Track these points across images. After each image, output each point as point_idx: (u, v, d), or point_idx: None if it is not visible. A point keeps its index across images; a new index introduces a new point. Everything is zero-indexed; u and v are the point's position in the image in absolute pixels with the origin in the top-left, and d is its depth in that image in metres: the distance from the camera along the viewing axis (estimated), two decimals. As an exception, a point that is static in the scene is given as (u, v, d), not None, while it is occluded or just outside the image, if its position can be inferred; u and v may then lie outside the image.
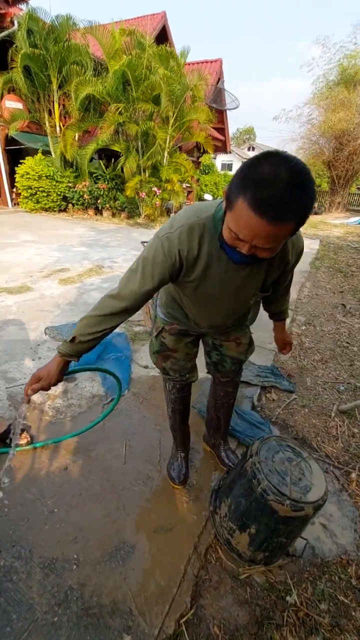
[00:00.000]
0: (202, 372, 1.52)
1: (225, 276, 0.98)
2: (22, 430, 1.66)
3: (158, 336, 1.35)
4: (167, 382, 1.44)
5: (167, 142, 8.91)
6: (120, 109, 8.11)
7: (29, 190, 9.00)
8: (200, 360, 1.47)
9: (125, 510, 1.38)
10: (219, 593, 1.18)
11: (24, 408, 1.14)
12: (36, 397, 1.98)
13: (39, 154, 9.17)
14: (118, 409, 1.94)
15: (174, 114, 8.63)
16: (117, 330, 2.82)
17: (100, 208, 9.33)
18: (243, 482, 1.21)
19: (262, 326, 1.78)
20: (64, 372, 1.08)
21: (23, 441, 1.62)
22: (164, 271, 0.93)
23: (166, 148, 9.04)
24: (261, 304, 1.35)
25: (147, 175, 8.98)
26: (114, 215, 9.37)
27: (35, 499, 1.40)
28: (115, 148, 8.59)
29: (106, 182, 9.19)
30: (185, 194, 9.26)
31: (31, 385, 1.05)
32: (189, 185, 9.80)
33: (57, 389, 2.07)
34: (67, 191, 9.30)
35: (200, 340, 1.42)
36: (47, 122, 9.30)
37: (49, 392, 2.03)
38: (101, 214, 9.45)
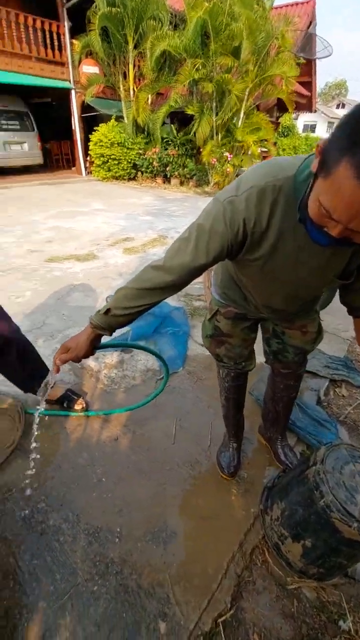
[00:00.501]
0: (261, 356, 1.36)
1: (300, 256, 0.79)
2: (78, 397, 1.70)
3: (212, 319, 1.21)
4: (220, 368, 1.31)
5: (245, 99, 8.18)
6: (197, 65, 7.59)
7: (101, 158, 9.15)
8: (258, 346, 1.30)
9: (170, 491, 1.35)
10: (262, 599, 1.09)
11: (51, 377, 1.10)
12: (93, 365, 2.03)
13: (112, 120, 9.18)
14: (170, 387, 1.89)
15: (254, 67, 7.82)
16: (175, 303, 2.76)
17: (168, 176, 9.14)
18: (302, 490, 1.06)
19: (334, 310, 1.53)
20: (94, 345, 0.98)
21: (78, 407, 1.66)
22: (222, 245, 0.77)
23: (243, 107, 8.33)
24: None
25: (219, 138, 8.44)
26: (182, 183, 9.11)
27: (86, 465, 1.44)
28: (189, 111, 8.16)
29: (176, 148, 8.90)
30: (261, 159, 8.53)
31: (59, 355, 0.98)
32: (265, 149, 9.00)
33: (113, 358, 2.10)
34: (137, 158, 9.25)
35: (259, 325, 1.25)
36: (121, 86, 9.18)
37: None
38: (169, 182, 9.27)
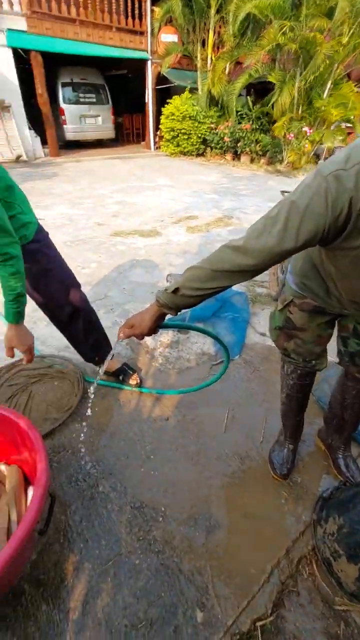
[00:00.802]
0: (331, 355, 1.22)
1: None
2: (134, 372, 1.72)
3: (284, 309, 1.09)
4: (286, 364, 1.21)
5: (335, 66, 7.31)
6: (284, 28, 6.91)
7: (171, 133, 8.99)
8: (331, 346, 1.17)
9: (216, 481, 1.31)
10: (305, 613, 1.02)
11: (114, 349, 1.13)
12: (149, 342, 2.03)
13: (186, 92, 8.89)
14: (226, 374, 1.82)
15: (350, 30, 6.90)
16: (236, 288, 2.65)
17: (238, 152, 8.69)
18: (368, 511, 0.95)
19: None
20: (158, 324, 0.95)
21: (133, 382, 1.69)
22: (316, 229, 0.65)
23: (331, 78, 7.47)
24: None
25: (300, 111, 7.73)
26: (252, 160, 8.62)
27: (136, 440, 1.46)
28: (271, 78, 7.53)
29: (250, 122, 8.38)
30: (346, 136, 7.64)
31: (123, 329, 0.97)
32: (350, 124, 8.06)
33: (169, 338, 2.08)
34: (207, 133, 8.92)
35: (337, 322, 1.11)
36: (198, 55, 8.78)
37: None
38: (239, 159, 8.82)
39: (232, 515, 1.21)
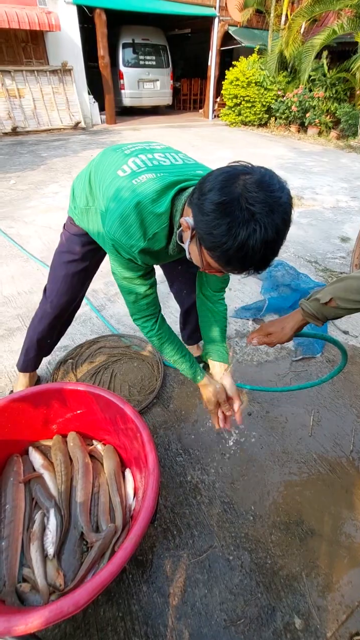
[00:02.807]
0: None
1: None
2: (214, 361, 1.68)
3: None
4: None
5: None
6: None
7: (234, 100, 8.42)
8: None
9: (305, 486, 1.27)
10: None
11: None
12: (229, 332, 1.98)
13: (254, 55, 8.21)
14: (308, 372, 1.74)
15: None
16: (314, 278, 2.49)
17: (306, 124, 8.00)
18: None
19: None
20: (297, 333, 0.91)
21: (213, 371, 1.65)
22: None
23: None
24: None
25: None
26: (320, 133, 7.91)
27: (220, 432, 1.44)
28: (358, 38, 6.69)
29: (324, 90, 7.60)
30: None
31: (257, 335, 0.93)
32: None
33: (246, 327, 2.01)
34: (273, 101, 8.26)
35: None
36: (272, 12, 7.98)
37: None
38: (305, 131, 8.14)
39: (326, 525, 1.17)
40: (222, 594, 1.01)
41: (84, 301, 2.10)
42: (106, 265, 1.08)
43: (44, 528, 0.99)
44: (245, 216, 0.59)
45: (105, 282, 2.37)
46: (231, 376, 1.11)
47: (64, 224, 1.19)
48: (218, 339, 1.13)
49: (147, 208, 0.77)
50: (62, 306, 1.27)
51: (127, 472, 1.15)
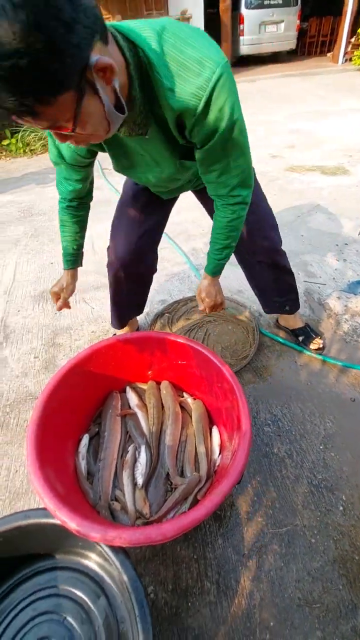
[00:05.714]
0: None
1: None
2: (317, 335, 1.53)
3: None
4: None
5: None
6: None
7: (375, 37, 6.98)
8: None
9: None
10: None
11: None
12: (333, 304, 1.77)
13: None
14: None
15: None
16: None
17: None
18: None
19: None
20: None
21: (314, 346, 1.50)
22: None
23: None
24: None
25: None
26: None
27: (315, 412, 1.33)
28: None
29: None
30: None
31: None
32: None
33: (358, 304, 1.76)
34: None
35: None
36: None
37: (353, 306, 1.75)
38: None
39: None
40: (299, 572, 0.96)
41: (184, 259, 2.10)
42: (206, 224, 1.01)
43: (135, 460, 1.07)
44: None
45: (205, 242, 2.32)
46: (208, 280, 1.07)
47: None
48: (210, 248, 1.02)
49: None
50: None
51: (214, 429, 1.15)
